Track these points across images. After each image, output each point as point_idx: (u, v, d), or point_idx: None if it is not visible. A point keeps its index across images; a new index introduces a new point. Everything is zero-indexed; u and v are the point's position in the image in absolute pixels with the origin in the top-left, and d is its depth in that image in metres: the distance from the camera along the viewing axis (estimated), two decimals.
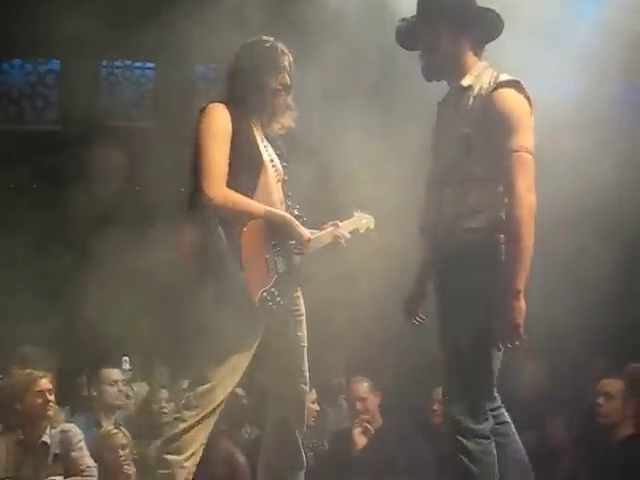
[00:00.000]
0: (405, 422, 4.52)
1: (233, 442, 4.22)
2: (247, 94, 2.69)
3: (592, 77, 4.08)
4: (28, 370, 3.75)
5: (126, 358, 5.08)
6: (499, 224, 2.39)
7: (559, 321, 4.80)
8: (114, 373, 4.52)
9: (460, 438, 2.37)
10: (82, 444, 3.73)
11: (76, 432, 3.77)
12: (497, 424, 2.49)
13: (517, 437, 2.58)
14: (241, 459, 4.10)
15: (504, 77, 2.43)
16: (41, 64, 6.93)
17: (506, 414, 2.57)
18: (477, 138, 2.40)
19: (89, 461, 3.71)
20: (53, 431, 3.70)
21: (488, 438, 2.40)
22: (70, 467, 3.68)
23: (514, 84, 2.42)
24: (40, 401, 3.64)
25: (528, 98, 2.44)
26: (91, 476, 3.67)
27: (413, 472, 4.05)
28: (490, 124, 2.38)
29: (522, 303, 2.33)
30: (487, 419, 2.41)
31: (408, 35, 2.58)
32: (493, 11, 2.48)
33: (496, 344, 2.35)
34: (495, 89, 2.40)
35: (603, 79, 4.24)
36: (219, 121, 2.63)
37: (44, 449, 3.65)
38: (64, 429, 3.75)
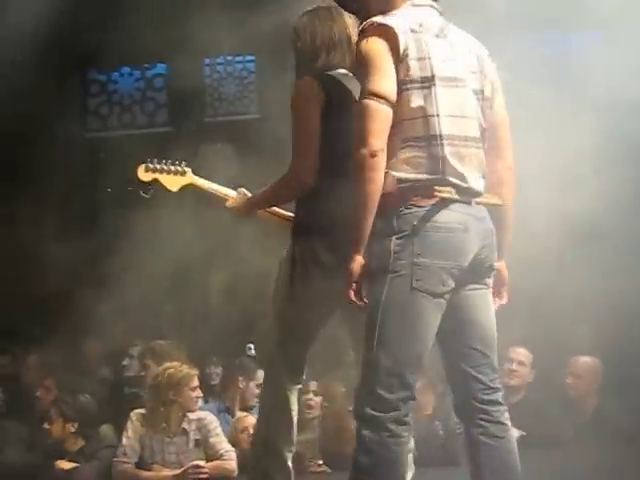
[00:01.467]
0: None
1: None
2: None
3: None
4: (184, 365, 4.01)
5: (251, 345, 5.23)
6: None
7: None
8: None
9: (357, 422, 2.19)
10: (219, 430, 3.93)
11: (212, 419, 3.98)
12: (489, 422, 2.25)
13: (513, 442, 2.30)
14: None
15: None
16: (148, 69, 7.19)
17: (505, 415, 2.29)
18: None
19: (227, 445, 3.89)
20: (190, 418, 3.91)
21: (388, 430, 2.14)
22: (210, 452, 3.89)
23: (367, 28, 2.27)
24: (194, 395, 3.92)
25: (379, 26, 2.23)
26: (230, 460, 3.85)
27: None
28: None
29: (351, 265, 2.15)
30: (395, 409, 2.15)
31: None
32: None
33: None
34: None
35: None
36: None
37: (184, 436, 3.86)
38: (200, 417, 3.96)
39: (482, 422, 2.25)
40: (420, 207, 2.19)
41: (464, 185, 2.23)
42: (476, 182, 2.27)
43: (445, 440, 4.24)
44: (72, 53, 6.75)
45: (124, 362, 5.28)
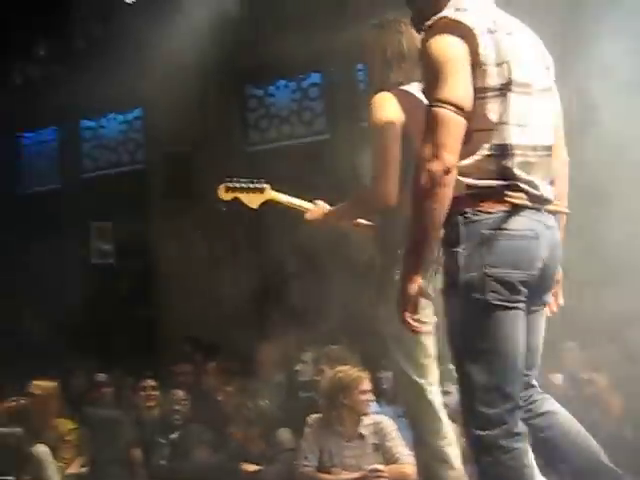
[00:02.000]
0: None
1: None
2: None
3: None
4: (355, 369, 4.06)
5: None
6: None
7: None
8: None
9: (470, 447, 2.07)
10: (396, 434, 3.92)
11: (389, 423, 3.98)
12: (534, 416, 2.16)
13: (570, 422, 2.20)
14: None
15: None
16: (303, 80, 7.35)
17: (546, 403, 2.20)
18: None
19: (405, 450, 3.87)
20: (366, 422, 3.94)
21: (500, 447, 2.00)
22: (387, 456, 3.90)
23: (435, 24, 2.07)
24: (364, 398, 3.94)
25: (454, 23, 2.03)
26: (408, 464, 3.82)
27: None
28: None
29: (407, 289, 2.01)
30: (502, 423, 2.01)
31: None
32: None
33: None
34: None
35: None
36: None
37: (362, 439, 3.90)
38: (376, 420, 3.98)
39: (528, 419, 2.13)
40: (490, 213, 2.06)
41: (535, 192, 2.10)
42: (545, 189, 2.15)
43: (634, 443, 4.01)
44: (232, 71, 7.03)
45: (297, 367, 5.42)
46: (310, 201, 2.94)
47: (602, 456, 2.19)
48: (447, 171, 1.98)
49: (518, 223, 2.06)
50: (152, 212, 7.41)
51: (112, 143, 8.08)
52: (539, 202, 2.12)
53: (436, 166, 1.98)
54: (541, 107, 2.18)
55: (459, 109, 2.02)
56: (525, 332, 2.11)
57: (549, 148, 2.19)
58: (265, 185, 3.09)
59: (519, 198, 2.07)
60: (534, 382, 2.23)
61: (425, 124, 2.04)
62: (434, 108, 2.03)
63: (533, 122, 2.14)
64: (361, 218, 2.83)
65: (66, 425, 4.91)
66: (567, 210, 2.32)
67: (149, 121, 7.66)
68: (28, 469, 4.39)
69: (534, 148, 2.14)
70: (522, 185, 2.08)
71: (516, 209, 2.07)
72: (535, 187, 2.11)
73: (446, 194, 2.00)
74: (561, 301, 2.35)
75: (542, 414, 2.21)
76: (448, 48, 2.06)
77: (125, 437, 4.88)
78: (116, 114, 8.01)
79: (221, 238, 6.76)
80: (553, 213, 2.20)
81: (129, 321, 7.18)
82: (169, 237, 7.11)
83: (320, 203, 2.91)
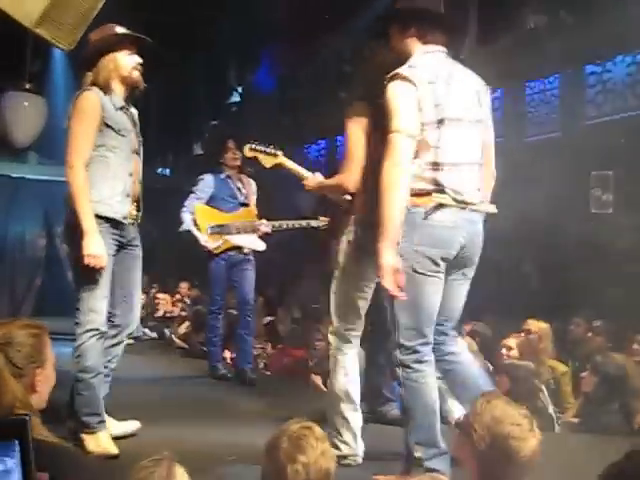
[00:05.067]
0: None
1: None
2: None
3: None
4: None
5: None
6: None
7: None
8: None
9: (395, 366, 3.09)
10: None
11: None
12: (443, 355, 3.13)
13: (468, 362, 3.19)
14: None
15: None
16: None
17: (453, 347, 3.17)
18: None
19: None
20: None
21: (412, 368, 3.00)
22: None
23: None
24: None
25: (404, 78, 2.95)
26: None
27: None
28: None
29: (381, 260, 2.85)
30: (414, 351, 3.00)
31: None
32: None
33: None
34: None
35: None
36: None
37: None
38: None
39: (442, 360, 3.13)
40: (422, 207, 2.95)
41: (459, 197, 2.96)
42: (471, 195, 3.01)
43: None
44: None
45: None
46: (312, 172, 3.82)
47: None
48: (401, 179, 2.89)
49: (441, 216, 2.95)
50: None
51: (619, 87, 7.71)
52: (462, 203, 2.97)
53: (392, 177, 2.88)
54: (471, 134, 3.07)
55: (409, 135, 2.91)
56: (441, 294, 3.04)
57: (476, 164, 3.08)
58: (279, 152, 4.06)
59: (443, 199, 2.94)
60: (449, 332, 3.17)
61: (387, 146, 2.92)
62: (390, 134, 2.91)
63: (462, 145, 3.02)
64: (335, 196, 3.65)
65: (560, 367, 5.00)
66: (493, 209, 3.13)
67: None
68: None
69: (462, 164, 3.01)
70: (447, 190, 2.95)
71: (441, 206, 2.95)
72: (459, 192, 2.97)
73: (402, 195, 2.90)
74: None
75: (448, 353, 3.15)
76: (400, 91, 2.96)
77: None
78: (623, 56, 7.61)
79: None
80: (480, 211, 3.06)
81: (625, 273, 6.85)
82: None
83: (317, 174, 3.78)
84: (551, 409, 4.54)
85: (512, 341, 5.15)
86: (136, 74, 3.75)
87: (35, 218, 11.25)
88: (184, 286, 9.91)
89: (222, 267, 5.65)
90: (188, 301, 9.46)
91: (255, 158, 4.17)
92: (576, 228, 7.25)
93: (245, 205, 5.81)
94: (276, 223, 5.66)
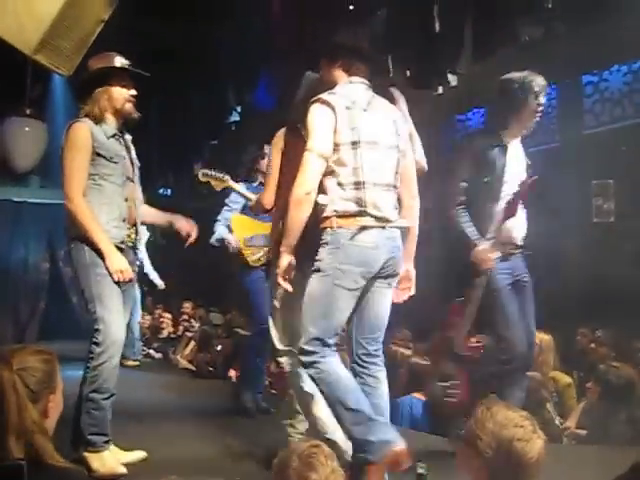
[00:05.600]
0: None
1: None
2: None
3: None
4: None
5: None
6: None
7: None
8: None
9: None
10: None
11: None
12: (369, 376, 3.30)
13: (381, 393, 3.32)
14: None
15: None
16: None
17: (380, 370, 3.34)
18: None
19: None
20: None
21: (314, 364, 3.19)
22: None
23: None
24: None
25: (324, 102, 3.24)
26: None
27: None
28: None
29: (280, 262, 3.25)
30: (314, 353, 3.19)
31: None
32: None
33: None
34: None
35: None
36: None
37: None
38: None
39: (363, 375, 3.30)
40: (346, 229, 3.17)
41: (379, 215, 3.20)
42: (389, 212, 3.27)
43: None
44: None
45: None
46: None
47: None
48: (307, 193, 3.18)
49: (365, 237, 3.17)
50: None
51: (615, 96, 7.73)
52: (383, 221, 3.22)
53: (300, 190, 3.17)
54: (386, 158, 3.31)
55: (320, 155, 3.19)
56: (351, 309, 3.25)
57: (392, 186, 3.31)
58: (227, 176, 4.81)
59: (366, 221, 3.18)
60: (379, 345, 3.36)
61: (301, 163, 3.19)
62: (305, 152, 3.19)
63: (378, 167, 3.26)
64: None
65: (563, 379, 4.97)
66: (412, 224, 3.47)
67: None
68: None
69: (382, 184, 3.25)
70: (369, 210, 3.18)
71: (364, 228, 3.17)
72: (380, 211, 3.21)
73: (306, 207, 3.18)
74: (412, 292, 3.53)
75: (371, 376, 3.31)
76: (318, 115, 3.23)
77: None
78: (619, 65, 7.64)
79: None
80: (399, 228, 3.31)
81: (628, 281, 6.84)
82: None
83: (259, 196, 4.11)
84: (557, 420, 4.53)
85: None
86: (129, 106, 3.83)
87: (38, 241, 11.29)
88: (187, 306, 9.92)
89: (264, 281, 4.88)
90: (193, 321, 9.46)
91: (207, 182, 4.87)
92: (578, 237, 7.25)
93: None
94: None
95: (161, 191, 13.59)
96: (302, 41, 7.90)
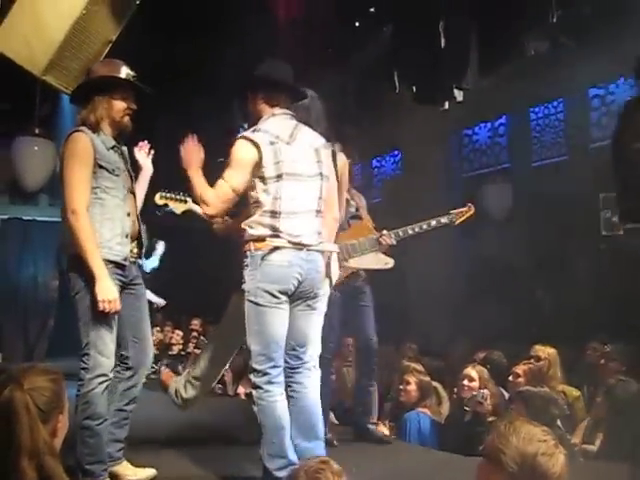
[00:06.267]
0: None
1: None
2: None
3: None
4: None
5: None
6: None
7: None
8: None
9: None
10: None
11: None
12: (294, 383, 3.56)
13: (313, 402, 3.56)
14: None
15: None
16: None
17: (306, 375, 3.58)
18: None
19: None
20: None
21: (262, 389, 3.44)
22: None
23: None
24: None
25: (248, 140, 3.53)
26: None
27: None
28: None
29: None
30: (264, 374, 3.45)
31: None
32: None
33: None
34: None
35: None
36: None
37: None
38: None
39: (290, 384, 3.56)
40: (262, 250, 3.46)
41: (295, 241, 3.47)
42: (308, 237, 3.52)
43: None
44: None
45: None
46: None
47: (318, 426, 3.56)
48: (211, 217, 3.80)
49: (278, 257, 3.45)
50: None
51: (622, 109, 7.73)
52: (299, 245, 3.48)
53: (206, 209, 3.60)
54: (308, 187, 3.56)
55: (232, 188, 3.53)
56: (286, 323, 3.50)
57: (313, 211, 3.57)
58: (188, 198, 4.28)
59: (279, 242, 3.45)
60: (305, 359, 3.58)
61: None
62: (220, 180, 3.56)
63: (300, 196, 3.52)
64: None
65: (572, 392, 4.96)
66: (334, 249, 3.75)
67: None
68: None
69: (299, 212, 3.50)
70: (283, 234, 3.46)
71: (277, 249, 3.45)
72: (295, 236, 3.48)
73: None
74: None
75: (298, 383, 3.56)
76: (240, 150, 3.53)
77: None
78: (625, 78, 7.65)
79: None
80: (320, 251, 3.57)
81: (637, 295, 6.80)
82: None
83: (225, 218, 4.16)
84: (569, 436, 4.50)
85: (520, 368, 5.13)
86: (126, 119, 3.73)
87: (47, 259, 11.32)
88: (196, 322, 9.91)
89: (332, 301, 3.91)
90: (202, 338, 9.45)
91: (166, 205, 4.34)
92: (588, 251, 7.23)
93: (357, 218, 4.86)
94: (399, 231, 4.82)
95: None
96: (307, 53, 7.94)
